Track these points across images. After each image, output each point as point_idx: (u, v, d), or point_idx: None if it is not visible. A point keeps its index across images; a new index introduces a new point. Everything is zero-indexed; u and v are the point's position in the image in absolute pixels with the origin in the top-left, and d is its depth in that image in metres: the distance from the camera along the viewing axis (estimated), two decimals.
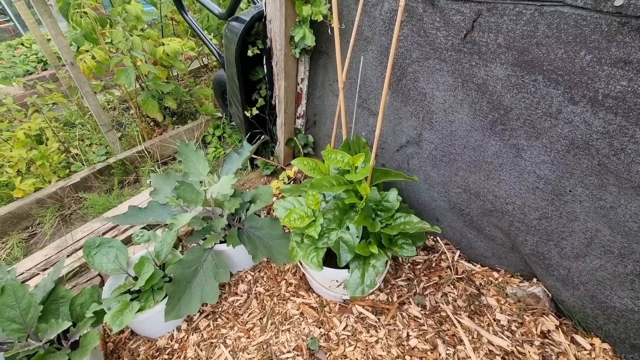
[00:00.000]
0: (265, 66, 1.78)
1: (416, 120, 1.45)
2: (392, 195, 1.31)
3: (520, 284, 1.46)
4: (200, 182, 1.49)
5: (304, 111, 1.96)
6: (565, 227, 1.16)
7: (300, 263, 1.48)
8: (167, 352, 1.42)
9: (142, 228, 1.70)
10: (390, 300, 1.49)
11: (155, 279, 1.41)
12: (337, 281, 1.39)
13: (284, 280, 1.64)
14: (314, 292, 1.58)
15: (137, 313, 1.33)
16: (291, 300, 1.55)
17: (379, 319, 1.42)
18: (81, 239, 1.96)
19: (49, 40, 3.19)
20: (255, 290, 1.61)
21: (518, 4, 0.98)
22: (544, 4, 0.94)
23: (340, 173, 1.41)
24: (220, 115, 3.00)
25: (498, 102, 1.15)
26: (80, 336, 1.26)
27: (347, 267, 1.31)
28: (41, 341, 1.19)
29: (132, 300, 1.37)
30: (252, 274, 1.69)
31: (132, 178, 2.61)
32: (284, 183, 2.03)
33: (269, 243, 1.53)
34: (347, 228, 1.29)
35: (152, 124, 2.94)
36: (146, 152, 2.68)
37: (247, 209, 1.63)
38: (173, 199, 1.38)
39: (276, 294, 1.59)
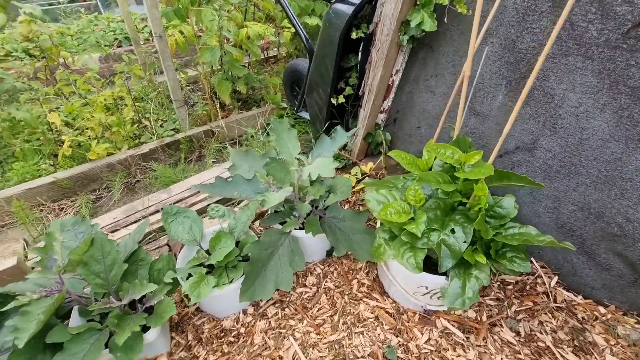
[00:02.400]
0: (360, 53, 1.71)
1: (534, 124, 1.31)
2: (509, 202, 1.18)
3: (637, 326, 1.26)
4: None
5: (389, 106, 1.87)
6: None
7: (384, 263, 1.36)
8: (232, 335, 1.35)
9: (216, 202, 1.66)
10: (480, 319, 1.33)
11: (232, 255, 1.34)
12: (426, 288, 1.26)
13: (356, 279, 1.53)
14: (389, 296, 1.45)
15: (213, 288, 1.26)
16: (364, 301, 1.44)
17: (467, 337, 1.27)
18: (150, 206, 1.96)
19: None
20: (324, 285, 1.52)
21: None
22: None
23: (445, 171, 1.29)
24: (285, 106, 2.97)
25: None
26: (156, 302, 1.21)
27: (444, 274, 1.18)
28: (121, 300, 1.14)
29: (206, 274, 1.31)
30: (322, 267, 1.59)
31: (195, 156, 2.62)
32: (356, 178, 1.94)
33: (350, 237, 1.43)
34: (452, 231, 1.16)
35: (217, 106, 2.96)
36: (212, 132, 2.69)
37: (325, 199, 1.54)
38: (263, 175, 1.31)
39: (347, 293, 1.48)
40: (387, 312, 1.39)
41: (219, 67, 2.62)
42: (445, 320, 1.33)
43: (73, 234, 1.30)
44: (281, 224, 1.50)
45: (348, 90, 1.78)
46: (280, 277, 1.37)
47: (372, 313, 1.39)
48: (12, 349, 0.96)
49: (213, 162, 2.54)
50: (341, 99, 1.77)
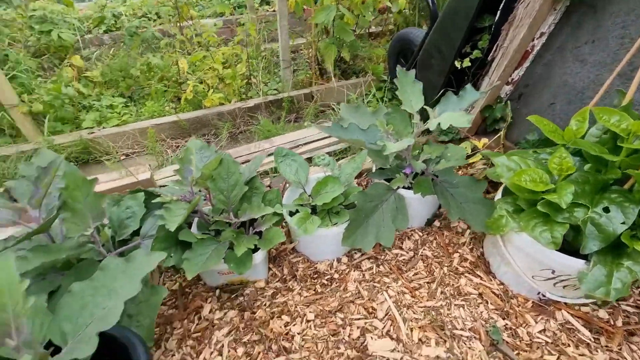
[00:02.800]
0: (499, 12, 1.54)
1: None
2: None
3: None
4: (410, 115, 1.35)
5: (519, 77, 1.66)
6: None
7: (500, 238, 1.23)
8: (326, 278, 1.36)
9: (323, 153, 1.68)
10: (613, 323, 1.13)
11: (337, 200, 1.35)
12: (552, 272, 1.10)
13: (457, 254, 1.42)
14: (495, 277, 1.32)
15: (319, 228, 1.28)
16: (465, 277, 1.33)
17: (596, 338, 1.09)
18: (253, 152, 2.08)
19: None
20: (422, 252, 1.44)
21: None
22: None
23: (602, 143, 1.10)
24: (385, 78, 2.88)
25: None
26: (264, 229, 1.27)
27: (582, 257, 1.02)
28: (238, 218, 1.23)
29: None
30: (420, 234, 1.52)
31: (293, 117, 2.71)
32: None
33: (463, 205, 1.32)
34: (606, 210, 0.98)
35: (318, 72, 3.00)
36: (311, 96, 2.75)
37: (436, 163, 1.45)
38: (382, 123, 1.27)
39: (446, 264, 1.38)
40: (493, 292, 1.27)
41: (327, 33, 2.63)
42: (568, 313, 1.16)
43: (199, 157, 1.43)
44: (387, 180, 1.46)
45: (476, 53, 1.62)
46: (381, 231, 1.33)
47: (475, 289, 1.28)
48: (155, 235, 1.09)
49: (306, 124, 2.60)
50: (467, 62, 1.63)
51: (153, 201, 1.13)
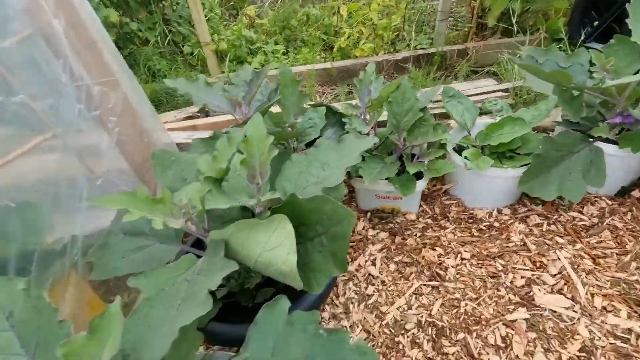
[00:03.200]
0: None
1: None
2: None
3: None
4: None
5: None
6: None
7: None
8: (483, 224, 1.28)
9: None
10: None
11: (515, 143, 1.23)
12: None
13: None
14: None
15: (491, 167, 1.20)
16: None
17: None
18: None
19: None
20: (608, 222, 1.22)
21: None
22: None
23: None
24: (563, 37, 2.43)
25: None
26: (428, 161, 1.25)
27: None
28: (408, 143, 1.24)
29: None
30: (609, 202, 1.28)
31: (442, 74, 2.56)
32: None
33: None
34: None
35: (475, 28, 2.72)
36: (465, 53, 2.53)
37: None
38: (601, 56, 1.07)
39: None
40: None
41: None
42: None
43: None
44: (581, 131, 1.25)
45: None
46: (566, 184, 1.17)
47: None
48: None
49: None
50: None
51: (339, 110, 1.22)
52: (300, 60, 2.69)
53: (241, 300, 0.86)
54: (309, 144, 1.30)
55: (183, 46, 2.66)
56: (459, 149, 1.34)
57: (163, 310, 0.54)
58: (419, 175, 1.24)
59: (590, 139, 1.18)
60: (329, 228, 0.64)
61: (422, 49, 2.60)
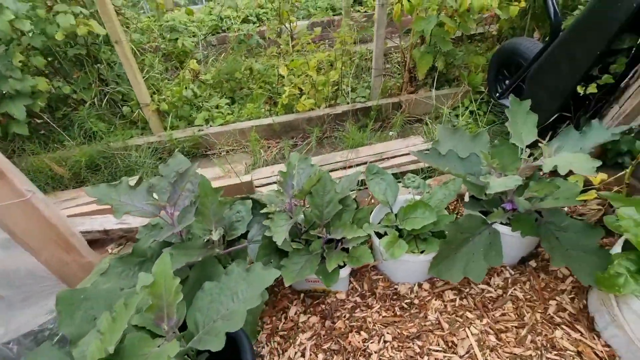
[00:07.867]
0: None
1: None
2: None
3: None
4: (520, 150, 1.28)
5: None
6: None
7: (613, 298, 1.10)
8: (405, 301, 1.38)
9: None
10: None
11: (427, 228, 1.35)
12: None
13: (555, 301, 1.31)
14: (599, 336, 1.19)
15: (405, 253, 1.30)
16: (562, 329, 1.23)
17: None
18: (338, 162, 2.17)
19: None
20: (511, 292, 1.36)
21: None
22: None
23: None
24: (483, 90, 2.70)
25: None
26: (351, 247, 1.34)
27: None
28: (330, 235, 1.32)
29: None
30: (511, 272, 1.43)
31: (378, 125, 2.72)
32: None
33: (570, 252, 1.21)
34: None
35: (408, 80, 2.94)
36: (399, 105, 2.72)
37: (540, 201, 1.33)
38: (487, 156, 1.22)
39: (540, 311, 1.29)
40: (596, 354, 1.15)
41: (423, 41, 2.56)
42: None
43: (297, 169, 1.55)
44: (482, 212, 1.40)
45: (607, 78, 1.43)
46: (469, 266, 1.29)
47: (573, 346, 1.18)
48: (261, 243, 1.24)
49: (391, 134, 2.58)
50: (592, 89, 1.45)
51: (261, 211, 1.27)
52: (244, 115, 2.74)
53: None
54: (239, 238, 1.34)
55: (122, 106, 2.61)
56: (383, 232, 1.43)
57: None
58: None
59: (490, 222, 1.33)
60: None
61: (360, 102, 2.75)
